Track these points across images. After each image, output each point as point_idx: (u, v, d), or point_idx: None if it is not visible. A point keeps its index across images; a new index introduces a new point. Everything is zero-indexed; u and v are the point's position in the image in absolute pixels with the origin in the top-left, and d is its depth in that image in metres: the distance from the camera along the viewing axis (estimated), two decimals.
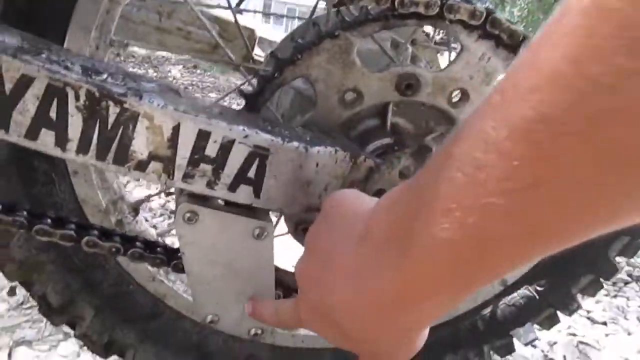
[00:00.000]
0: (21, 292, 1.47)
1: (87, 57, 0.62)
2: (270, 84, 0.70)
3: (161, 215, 2.14)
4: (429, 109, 0.79)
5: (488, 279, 0.40)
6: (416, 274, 0.41)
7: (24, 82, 0.57)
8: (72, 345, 1.26)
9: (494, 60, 0.73)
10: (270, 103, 0.81)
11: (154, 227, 2.03)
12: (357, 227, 0.47)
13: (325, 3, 0.91)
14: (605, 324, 1.83)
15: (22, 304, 1.43)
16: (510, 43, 0.72)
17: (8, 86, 0.57)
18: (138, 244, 0.78)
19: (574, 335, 1.69)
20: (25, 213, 0.73)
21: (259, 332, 0.83)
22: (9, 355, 1.21)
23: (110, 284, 0.92)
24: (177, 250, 0.81)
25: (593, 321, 1.82)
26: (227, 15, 0.95)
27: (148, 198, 0.94)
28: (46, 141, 0.60)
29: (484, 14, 0.69)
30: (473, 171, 0.33)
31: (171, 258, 0.79)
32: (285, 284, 0.85)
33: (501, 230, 0.34)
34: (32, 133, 0.59)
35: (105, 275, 0.92)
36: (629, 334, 1.76)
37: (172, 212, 2.19)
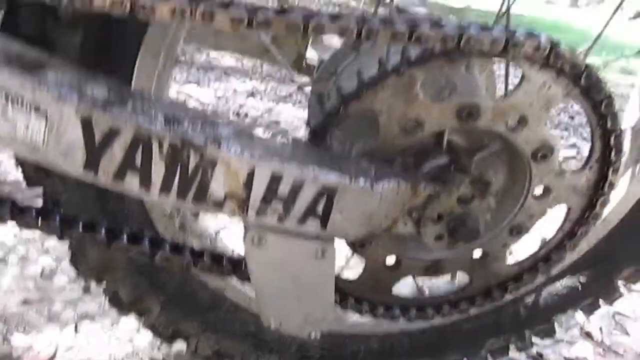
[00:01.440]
0: None
1: (168, 102, 0.65)
2: (335, 118, 0.72)
3: None
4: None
5: None
6: None
7: (113, 134, 0.61)
8: (133, 320, 1.34)
9: (555, 88, 0.74)
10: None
11: None
12: None
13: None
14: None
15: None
16: (571, 73, 0.72)
17: (98, 137, 0.61)
18: (206, 257, 0.83)
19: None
20: (103, 230, 0.78)
21: (318, 335, 0.89)
22: (75, 328, 1.31)
23: (174, 282, 0.99)
24: (242, 259, 0.86)
25: (628, 289, 1.85)
26: None
27: None
28: (131, 183, 0.64)
29: (548, 48, 0.69)
30: None
31: (237, 268, 0.84)
32: (341, 290, 0.89)
33: None
34: (119, 176, 0.64)
35: (171, 275, 0.98)
36: None
37: None
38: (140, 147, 0.62)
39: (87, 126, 0.60)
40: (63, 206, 0.83)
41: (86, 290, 1.42)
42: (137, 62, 0.78)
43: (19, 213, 0.73)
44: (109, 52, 0.75)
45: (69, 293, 1.45)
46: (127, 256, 0.93)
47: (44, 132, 0.60)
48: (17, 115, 0.59)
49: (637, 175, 1.02)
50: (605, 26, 0.91)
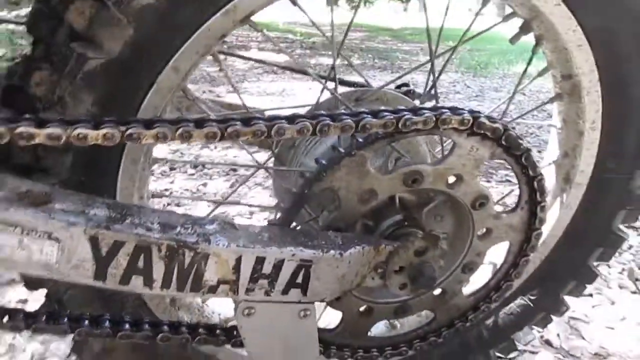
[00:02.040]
0: None
1: (162, 212, 0.76)
2: (301, 199, 0.84)
3: None
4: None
5: None
6: None
7: (117, 246, 0.71)
8: None
9: (482, 150, 0.88)
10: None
11: None
12: None
13: None
14: (591, 295, 2.03)
15: (69, 355, 1.58)
16: (493, 137, 0.86)
17: (104, 250, 0.71)
18: (201, 330, 0.93)
19: None
20: (108, 323, 0.87)
21: None
22: None
23: (171, 352, 1.08)
24: (234, 328, 0.96)
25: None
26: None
27: None
28: (136, 284, 0.74)
29: (471, 120, 0.83)
30: None
31: (230, 337, 0.94)
32: (324, 340, 1.00)
33: None
34: (125, 280, 0.74)
35: (167, 347, 1.06)
36: (613, 303, 1.96)
37: None
38: (142, 253, 0.72)
39: (94, 243, 0.70)
40: (66, 303, 0.91)
41: None
42: (120, 168, 0.88)
43: (32, 321, 0.82)
44: (96, 167, 0.85)
45: None
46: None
47: (57, 253, 0.70)
48: (32, 244, 0.68)
49: (565, 202, 1.17)
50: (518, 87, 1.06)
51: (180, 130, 0.72)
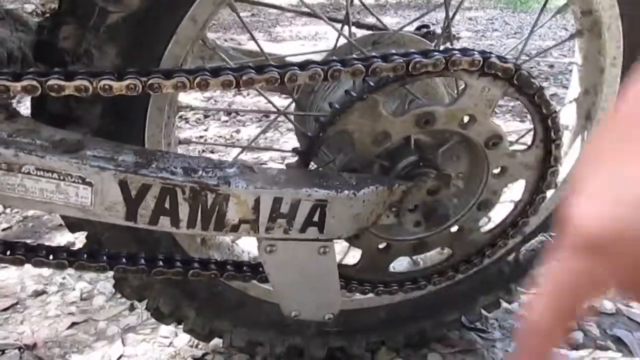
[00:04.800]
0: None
1: (185, 156, 0.81)
2: (316, 142, 0.88)
3: None
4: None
5: None
6: None
7: (145, 189, 0.77)
8: (170, 326, 1.51)
9: (493, 90, 0.90)
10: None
11: None
12: None
13: None
14: None
15: (115, 293, 1.70)
16: (504, 77, 0.88)
17: (133, 192, 0.77)
18: (229, 267, 1.00)
19: None
20: (143, 261, 0.94)
21: (331, 316, 1.06)
22: (122, 342, 1.48)
23: (204, 288, 1.16)
24: (259, 265, 1.02)
25: None
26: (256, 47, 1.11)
27: None
28: (164, 224, 0.81)
29: (481, 61, 0.85)
30: None
31: (256, 273, 1.01)
32: (345, 276, 1.06)
33: None
34: (153, 220, 0.80)
35: (200, 283, 1.14)
36: None
37: None
38: (168, 195, 0.78)
39: (124, 186, 0.76)
40: (104, 244, 0.99)
41: (131, 309, 1.59)
42: (147, 117, 0.93)
43: (74, 259, 0.90)
44: (124, 116, 0.90)
45: (108, 310, 1.63)
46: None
47: (91, 196, 0.76)
48: (69, 188, 0.75)
49: (586, 140, 1.18)
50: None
51: (198, 79, 0.76)
